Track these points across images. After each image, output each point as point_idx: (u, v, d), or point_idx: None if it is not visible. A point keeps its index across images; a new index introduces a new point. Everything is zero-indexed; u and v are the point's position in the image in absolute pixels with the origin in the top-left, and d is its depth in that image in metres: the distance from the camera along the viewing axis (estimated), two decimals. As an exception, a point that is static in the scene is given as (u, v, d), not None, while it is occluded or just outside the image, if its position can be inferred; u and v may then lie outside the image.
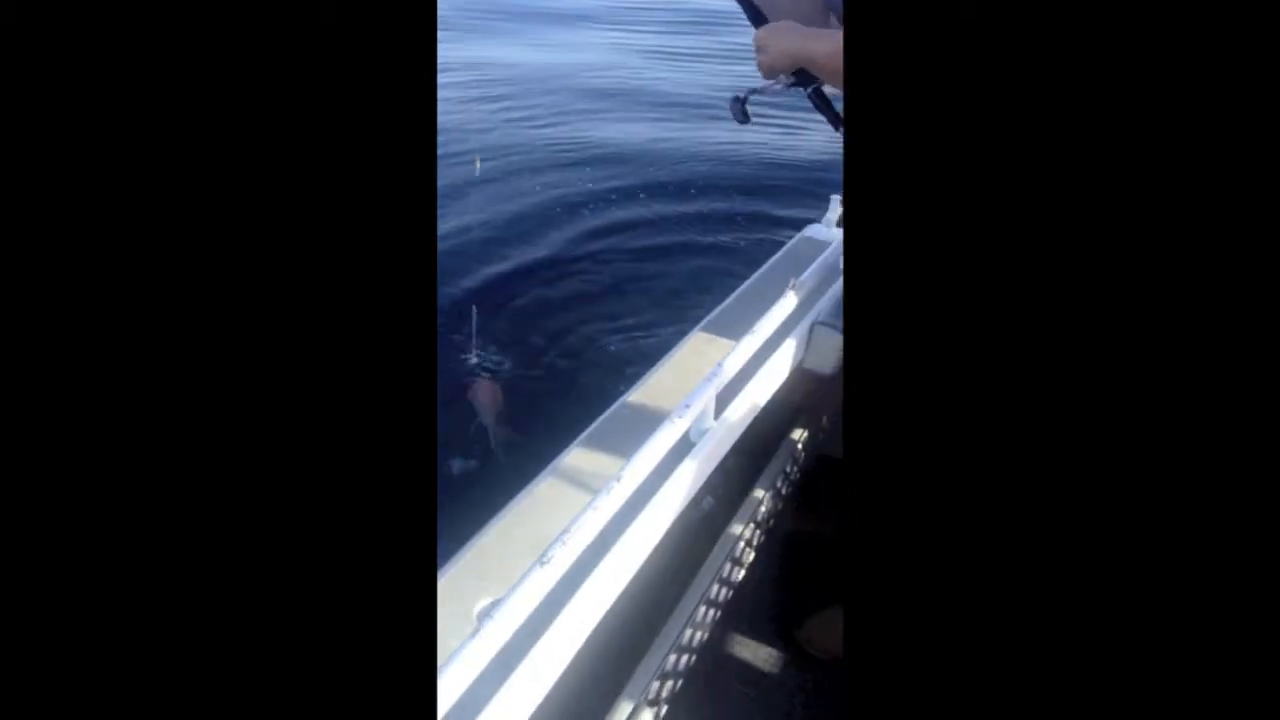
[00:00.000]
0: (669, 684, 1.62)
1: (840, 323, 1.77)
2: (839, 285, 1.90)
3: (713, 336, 1.72)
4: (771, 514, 1.93)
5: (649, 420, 1.32)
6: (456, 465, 3.27)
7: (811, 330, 1.80)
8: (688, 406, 1.33)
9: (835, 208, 2.17)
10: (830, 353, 1.80)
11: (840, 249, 1.91)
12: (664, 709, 1.62)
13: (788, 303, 1.67)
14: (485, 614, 0.94)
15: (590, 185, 6.34)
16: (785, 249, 2.08)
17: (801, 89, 1.41)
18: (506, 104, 8.48)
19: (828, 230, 2.14)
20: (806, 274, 1.79)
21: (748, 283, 1.92)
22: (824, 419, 1.98)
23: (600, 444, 1.48)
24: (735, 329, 1.60)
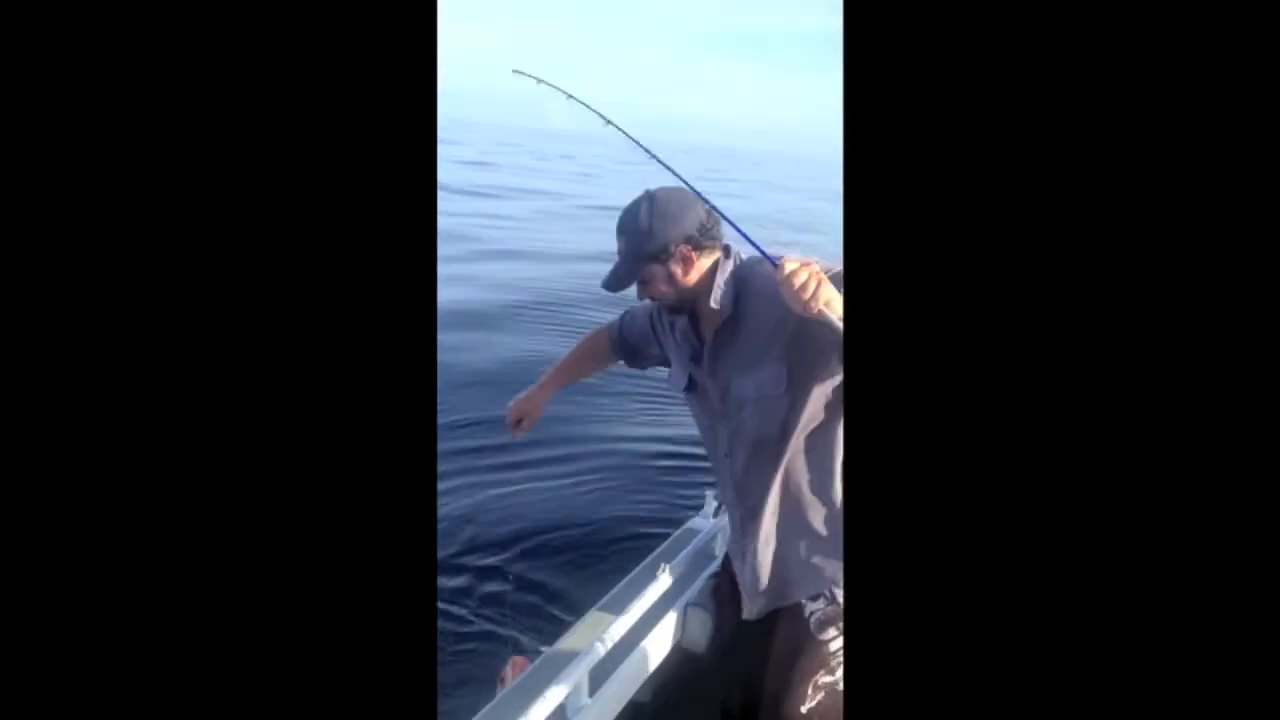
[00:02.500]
0: None
1: (711, 604, 1.88)
2: (710, 568, 2.04)
3: (603, 616, 1.80)
4: None
5: (528, 701, 1.37)
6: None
7: (685, 611, 1.91)
8: (561, 684, 1.40)
9: (710, 501, 2.31)
10: (702, 633, 1.89)
11: (711, 535, 2.09)
12: None
13: (661, 585, 1.80)
14: None
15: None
16: (670, 539, 2.21)
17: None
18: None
19: (706, 521, 2.26)
20: (679, 559, 1.94)
21: (635, 570, 2.04)
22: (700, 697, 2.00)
23: None
24: (618, 610, 1.69)
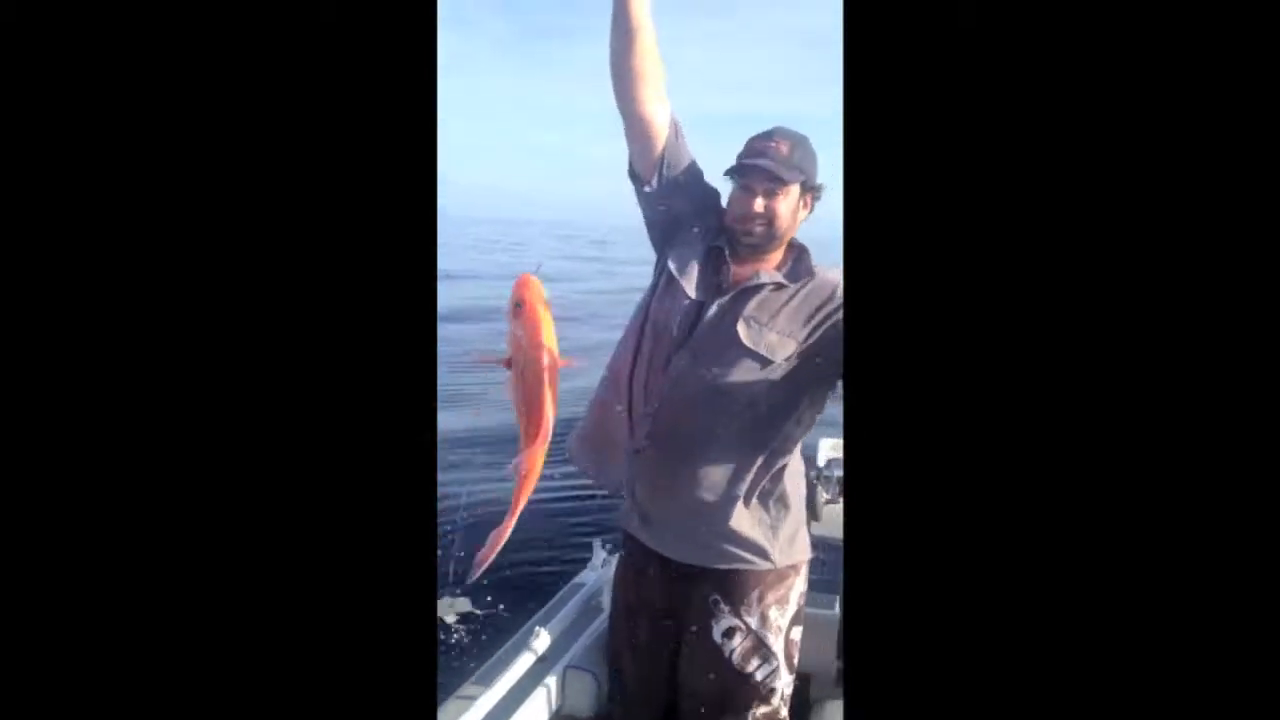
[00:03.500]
0: None
1: (596, 667, 1.79)
2: (595, 624, 1.93)
3: (461, 703, 1.64)
4: None
5: None
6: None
7: (565, 675, 1.79)
8: None
9: (599, 552, 2.21)
10: (585, 697, 1.78)
11: (597, 589, 1.99)
12: None
13: (536, 650, 1.70)
14: None
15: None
16: (555, 598, 2.10)
17: None
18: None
19: (593, 574, 2.16)
20: (558, 618, 1.85)
21: (519, 633, 1.91)
22: None
23: None
24: (486, 684, 1.60)
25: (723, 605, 1.49)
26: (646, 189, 1.51)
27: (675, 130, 1.49)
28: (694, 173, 1.53)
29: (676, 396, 1.45)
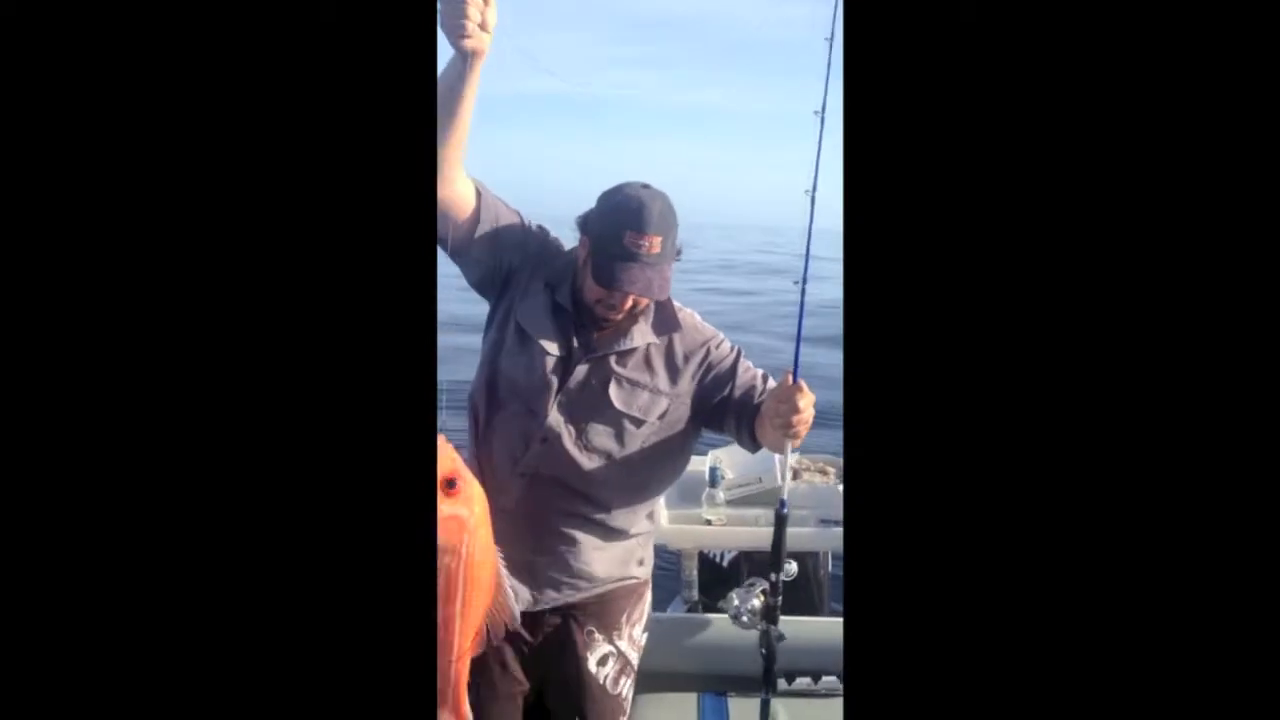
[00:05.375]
0: None
1: None
2: None
3: None
4: None
5: None
6: None
7: None
8: None
9: None
10: None
11: None
12: None
13: None
14: None
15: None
16: None
17: None
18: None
19: None
20: None
21: None
22: None
23: None
24: None
25: (597, 635, 1.52)
26: (471, 255, 1.44)
27: (479, 193, 1.41)
28: (516, 226, 1.47)
29: (549, 457, 1.42)
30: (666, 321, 1.48)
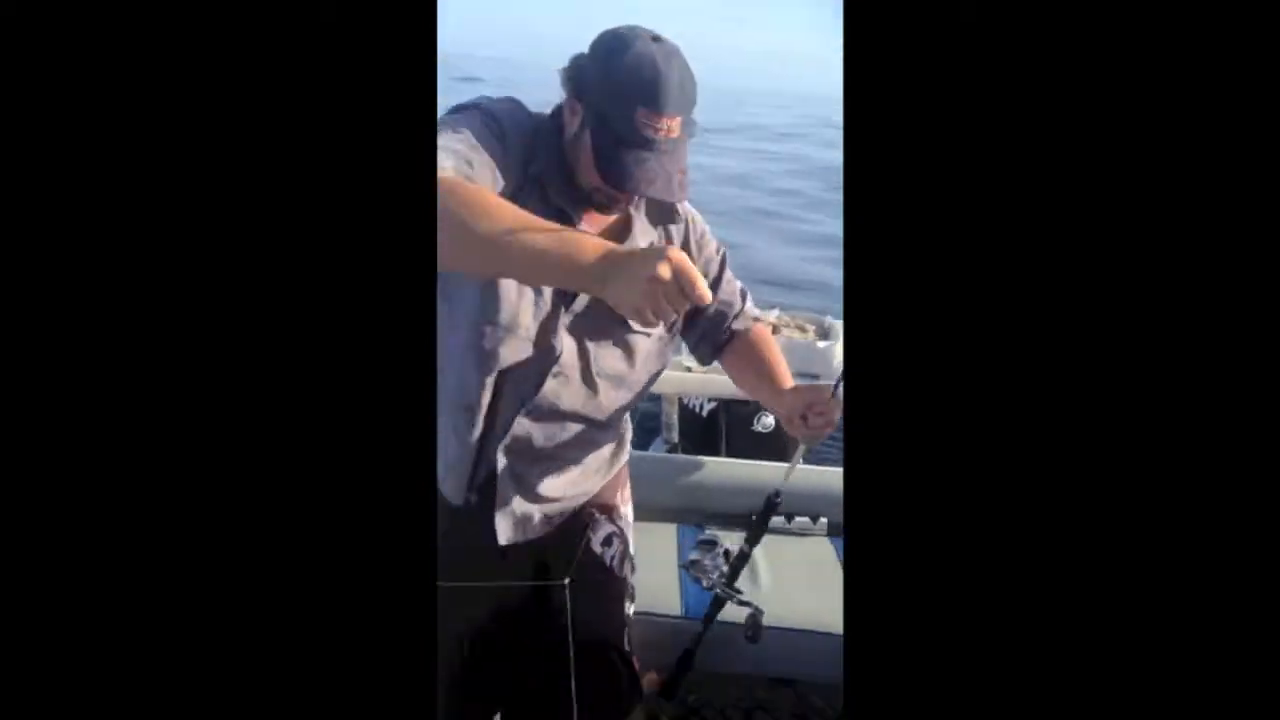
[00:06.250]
0: None
1: None
2: None
3: None
4: None
5: None
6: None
7: None
8: None
9: None
10: None
11: None
12: None
13: None
14: None
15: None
16: None
17: None
18: None
19: None
20: None
21: None
22: None
23: None
24: None
25: (598, 516, 1.44)
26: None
27: (457, 158, 1.09)
28: (496, 151, 1.14)
29: (562, 393, 1.27)
30: (665, 210, 1.29)
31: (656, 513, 2.20)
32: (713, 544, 1.46)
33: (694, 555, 1.47)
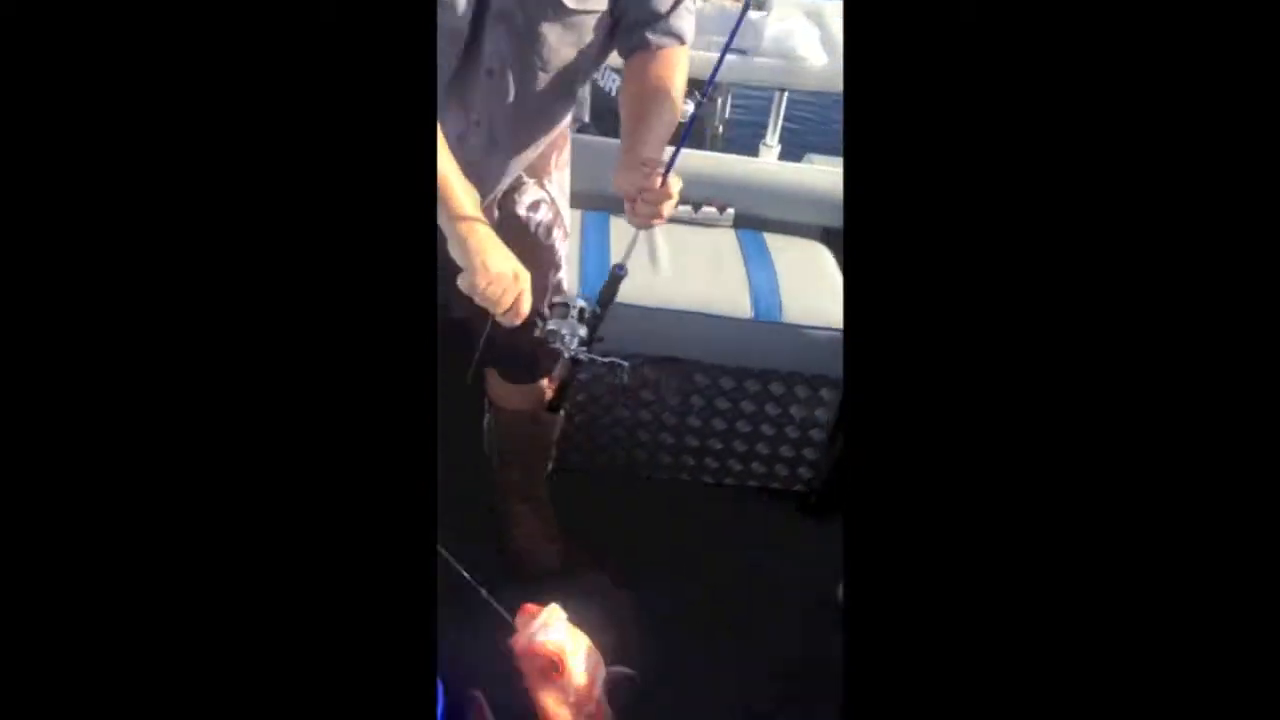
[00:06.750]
0: None
1: None
2: None
3: None
4: None
5: None
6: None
7: None
8: None
9: None
10: None
11: None
12: None
13: None
14: None
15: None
16: None
17: None
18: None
19: None
20: None
21: None
22: None
23: None
24: None
25: (525, 179, 1.42)
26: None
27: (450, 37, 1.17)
28: None
29: (497, 92, 1.25)
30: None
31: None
32: (565, 307, 1.41)
33: (551, 325, 1.42)
